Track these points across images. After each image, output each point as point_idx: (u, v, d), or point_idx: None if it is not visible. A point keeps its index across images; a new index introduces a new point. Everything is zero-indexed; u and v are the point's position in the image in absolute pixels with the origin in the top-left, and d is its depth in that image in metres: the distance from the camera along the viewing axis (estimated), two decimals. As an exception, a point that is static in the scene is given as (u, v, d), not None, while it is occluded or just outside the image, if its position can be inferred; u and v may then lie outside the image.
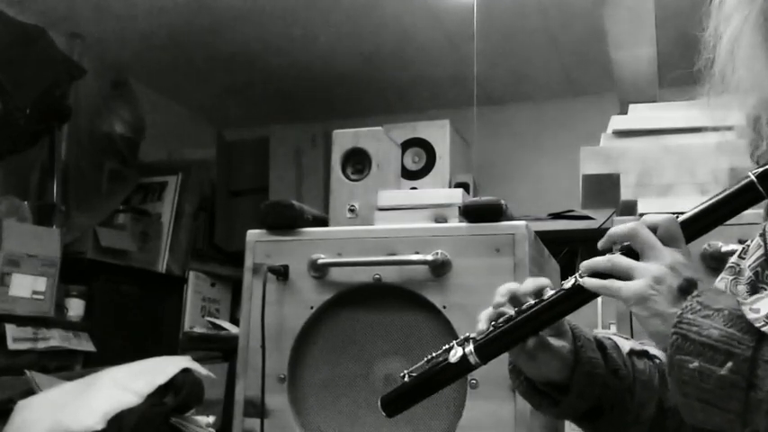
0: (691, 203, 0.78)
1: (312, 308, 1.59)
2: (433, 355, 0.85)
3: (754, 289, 0.77)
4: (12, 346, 2.22)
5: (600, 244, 0.80)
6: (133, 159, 3.03)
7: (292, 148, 3.23)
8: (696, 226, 0.77)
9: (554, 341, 0.85)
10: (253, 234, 1.68)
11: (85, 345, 2.49)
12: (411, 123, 3.00)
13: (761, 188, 0.74)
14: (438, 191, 1.96)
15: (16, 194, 2.55)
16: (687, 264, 0.73)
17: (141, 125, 3.05)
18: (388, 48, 3.08)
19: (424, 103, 3.53)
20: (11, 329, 2.25)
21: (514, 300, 0.84)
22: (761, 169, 0.74)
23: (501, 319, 0.83)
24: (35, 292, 2.34)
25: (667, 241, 0.75)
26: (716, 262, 1.33)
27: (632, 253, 0.76)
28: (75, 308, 2.60)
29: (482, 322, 0.84)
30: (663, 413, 0.88)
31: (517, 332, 0.82)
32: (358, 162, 1.80)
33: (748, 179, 0.74)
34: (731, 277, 0.83)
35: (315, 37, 2.99)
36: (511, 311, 0.83)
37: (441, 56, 3.11)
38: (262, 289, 1.59)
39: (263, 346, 1.57)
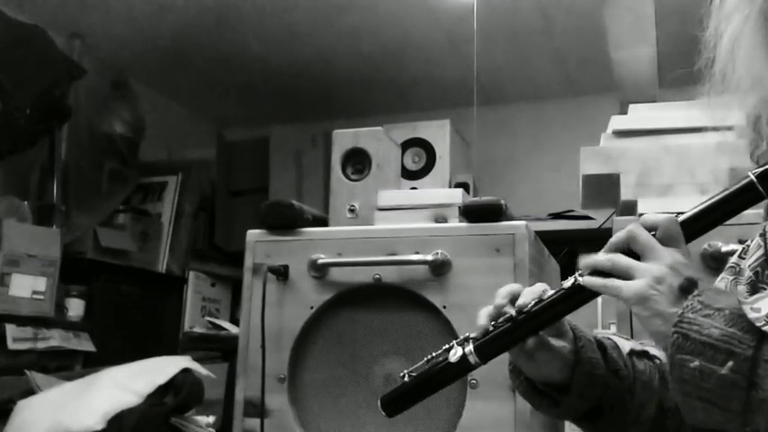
0: (691, 203, 0.78)
1: (312, 308, 1.59)
2: (433, 355, 0.85)
3: (754, 289, 0.77)
4: (12, 346, 2.22)
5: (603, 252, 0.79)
6: (133, 159, 3.03)
7: (292, 148, 3.23)
8: (696, 226, 0.77)
9: (554, 341, 0.85)
10: (253, 234, 1.68)
11: (85, 345, 2.49)
12: (411, 123, 3.00)
13: (761, 188, 0.74)
14: (438, 191, 1.96)
15: (16, 194, 2.55)
16: (687, 264, 0.73)
17: (141, 125, 3.05)
18: (388, 48, 3.08)
19: (424, 103, 3.53)
20: (11, 329, 2.24)
21: (515, 302, 0.84)
22: (761, 169, 0.74)
23: (501, 319, 0.83)
24: (35, 292, 2.34)
25: (667, 241, 0.75)
26: (716, 262, 1.33)
27: (632, 253, 0.76)
28: (75, 308, 2.60)
29: (482, 318, 0.84)
30: (663, 413, 0.88)
31: (517, 332, 0.82)
32: (358, 162, 1.80)
33: (748, 179, 0.74)
34: (731, 277, 0.83)
35: (315, 37, 2.99)
36: (511, 311, 0.83)
37: (441, 56, 3.11)
38: (262, 289, 1.59)
39: (263, 346, 1.57)
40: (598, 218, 2.54)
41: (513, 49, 3.06)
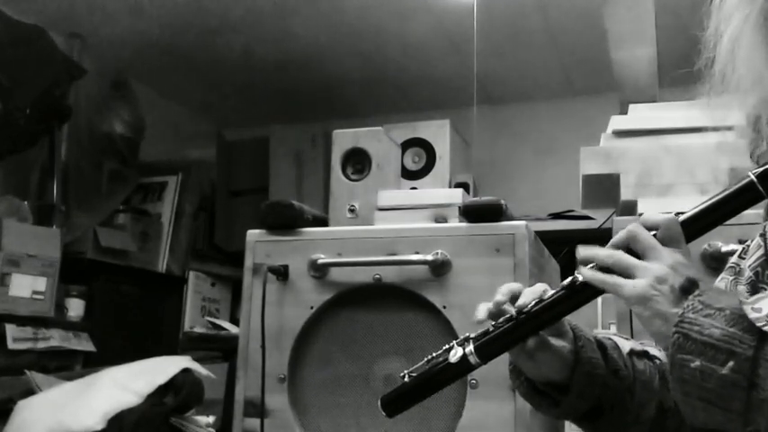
0: (691, 203, 0.78)
1: (312, 308, 1.59)
2: (433, 355, 0.85)
3: (754, 289, 0.77)
4: (12, 346, 2.22)
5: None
6: (133, 159, 3.03)
7: (292, 148, 3.23)
8: (696, 226, 0.77)
9: (554, 341, 0.85)
10: (253, 234, 1.68)
11: (85, 345, 2.49)
12: (411, 123, 3.00)
13: (761, 188, 0.74)
14: (438, 191, 1.96)
15: (16, 194, 2.55)
16: (688, 264, 0.73)
17: (141, 125, 3.05)
18: (388, 48, 3.08)
19: (424, 103, 3.53)
20: (11, 329, 2.25)
21: (515, 300, 0.84)
22: (761, 169, 0.74)
23: (501, 319, 0.83)
24: (35, 292, 2.34)
25: (668, 242, 0.75)
26: (716, 262, 1.33)
27: (633, 253, 0.76)
28: (75, 308, 2.60)
29: (480, 312, 0.84)
30: (663, 413, 0.88)
31: (517, 332, 0.82)
32: (358, 162, 1.80)
33: (748, 179, 0.74)
34: (731, 277, 0.83)
35: (315, 37, 2.99)
36: (511, 310, 0.83)
37: (441, 56, 3.11)
38: (262, 289, 1.59)
39: (263, 346, 1.57)
40: (598, 218, 2.54)
41: (513, 49, 3.06)
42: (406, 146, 2.89)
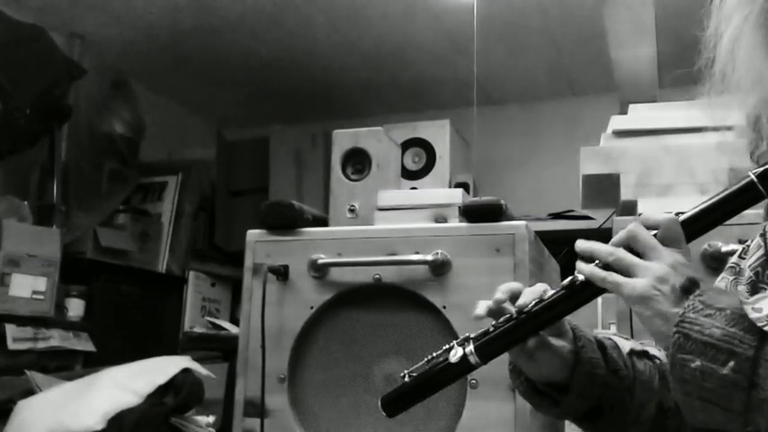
0: (691, 203, 0.78)
1: (312, 308, 1.59)
2: (433, 355, 0.85)
3: (754, 289, 0.77)
4: (12, 346, 2.22)
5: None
6: (133, 159, 3.03)
7: (292, 148, 3.23)
8: (696, 225, 0.77)
9: (554, 341, 0.85)
10: (253, 234, 1.68)
11: (85, 345, 2.49)
12: (411, 123, 3.00)
13: (761, 188, 0.74)
14: (438, 191, 1.96)
15: (16, 194, 2.55)
16: (688, 264, 0.73)
17: (141, 125, 3.05)
18: (388, 48, 3.08)
19: (424, 103, 3.53)
20: (11, 329, 2.25)
21: (515, 300, 0.84)
22: (761, 169, 0.74)
23: (501, 319, 0.83)
24: (35, 292, 2.34)
25: (668, 241, 0.75)
26: (716, 262, 1.33)
27: (633, 253, 0.76)
28: (75, 308, 2.60)
29: (480, 308, 0.84)
30: (663, 413, 0.88)
31: (517, 332, 0.82)
32: (358, 162, 1.80)
33: (748, 179, 0.74)
34: (731, 277, 0.83)
35: (315, 37, 2.99)
36: (512, 310, 0.83)
37: (441, 56, 3.11)
38: (262, 289, 1.59)
39: (263, 346, 1.57)
40: (598, 218, 2.54)
41: (513, 49, 3.06)
42: (406, 146, 2.89)
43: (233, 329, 3.00)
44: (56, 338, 2.38)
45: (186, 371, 1.99)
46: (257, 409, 1.56)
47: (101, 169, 2.92)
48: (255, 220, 1.69)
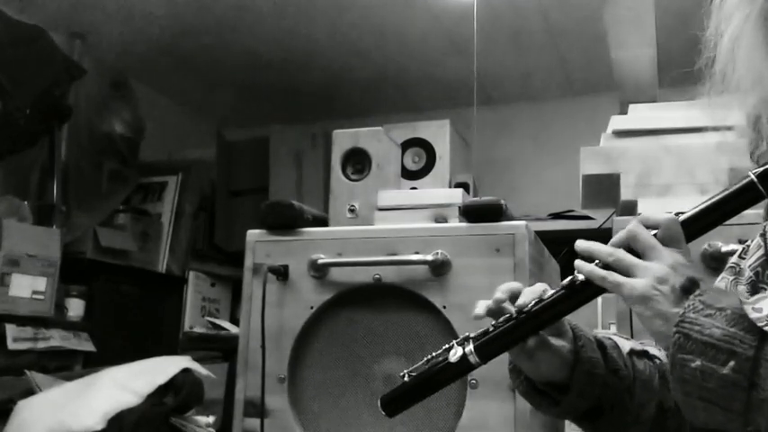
0: (691, 203, 0.78)
1: (312, 308, 1.59)
2: (433, 354, 0.85)
3: (754, 289, 0.77)
4: (12, 346, 2.22)
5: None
6: (133, 159, 3.03)
7: (292, 148, 3.23)
8: (697, 225, 0.77)
9: (554, 341, 0.85)
10: (253, 234, 1.68)
11: (85, 345, 2.49)
12: (411, 123, 3.00)
13: (761, 188, 0.74)
14: (438, 191, 1.96)
15: (16, 194, 2.55)
16: (688, 264, 0.73)
17: (141, 125, 3.05)
18: (388, 48, 3.08)
19: (424, 103, 3.53)
20: (11, 329, 2.24)
21: (515, 300, 0.84)
22: (761, 169, 0.74)
23: (501, 319, 0.83)
24: (35, 292, 2.34)
25: (668, 241, 0.75)
26: (716, 262, 1.33)
27: (633, 252, 0.76)
28: (75, 308, 2.60)
29: (479, 308, 0.84)
30: (663, 413, 0.88)
31: (517, 332, 0.82)
32: (358, 162, 1.80)
33: (748, 179, 0.74)
34: (731, 277, 0.83)
35: (315, 37, 2.99)
36: (511, 310, 0.83)
37: (441, 56, 3.11)
38: (262, 289, 1.59)
39: (263, 346, 1.57)
40: (598, 218, 2.54)
41: (513, 49, 3.06)
42: (406, 146, 2.89)
43: (233, 329, 3.00)
44: (56, 338, 2.38)
45: (186, 371, 1.99)
46: (257, 409, 1.56)
47: (101, 169, 2.92)
48: (255, 220, 1.69)
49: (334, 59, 3.18)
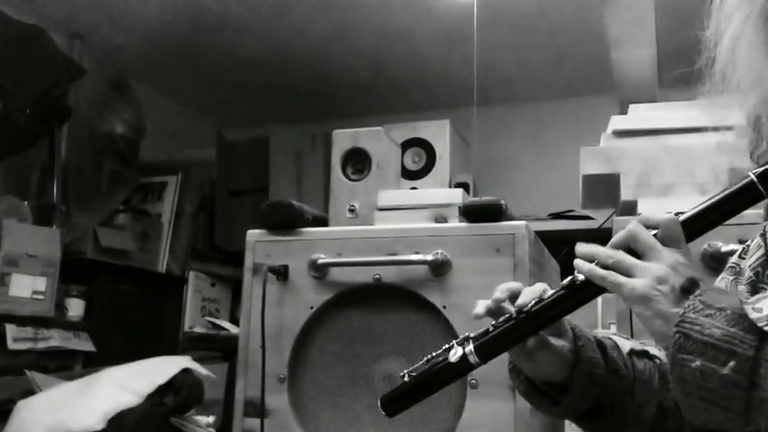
0: (691, 203, 0.78)
1: (312, 308, 1.59)
2: (433, 354, 0.85)
3: (754, 289, 0.77)
4: (12, 346, 2.22)
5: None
6: (133, 159, 3.03)
7: (292, 148, 3.23)
8: (697, 225, 0.77)
9: (554, 341, 0.85)
10: (253, 234, 1.68)
11: (85, 345, 2.49)
12: (411, 123, 3.00)
13: (761, 188, 0.74)
14: (438, 191, 1.96)
15: (16, 194, 2.55)
16: (688, 264, 0.73)
17: (141, 125, 3.05)
18: (388, 48, 3.08)
19: (424, 103, 3.53)
20: (11, 329, 2.25)
21: (514, 299, 0.84)
22: (761, 169, 0.74)
23: (501, 319, 0.83)
24: (35, 292, 2.34)
25: (668, 242, 0.75)
26: (716, 262, 1.33)
27: (632, 252, 0.76)
28: (75, 308, 2.60)
29: (479, 307, 0.84)
30: (663, 413, 0.88)
31: (517, 332, 0.82)
32: (358, 162, 1.80)
33: (748, 179, 0.74)
34: (731, 277, 0.83)
35: (315, 37, 2.99)
36: (511, 310, 0.83)
37: (441, 56, 3.11)
38: (262, 289, 1.59)
39: (263, 346, 1.57)
40: (598, 218, 2.54)
41: (513, 49, 3.06)
42: (406, 146, 2.89)
43: (233, 329, 3.00)
44: (56, 338, 2.38)
45: (186, 371, 1.99)
46: (257, 409, 1.56)
47: (101, 169, 2.92)
48: (255, 220, 1.70)
49: (334, 59, 3.18)
